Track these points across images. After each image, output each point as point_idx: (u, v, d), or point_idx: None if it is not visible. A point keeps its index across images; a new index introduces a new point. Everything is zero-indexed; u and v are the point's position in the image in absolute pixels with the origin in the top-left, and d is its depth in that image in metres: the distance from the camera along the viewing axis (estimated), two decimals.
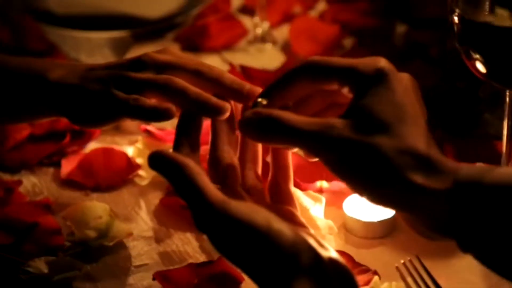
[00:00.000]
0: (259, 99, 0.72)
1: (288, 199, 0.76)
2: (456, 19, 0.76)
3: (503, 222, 0.63)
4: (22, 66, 0.84)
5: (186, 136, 0.74)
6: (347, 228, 0.84)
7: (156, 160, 0.67)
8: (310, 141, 0.67)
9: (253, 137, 0.71)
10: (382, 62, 0.69)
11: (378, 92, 0.67)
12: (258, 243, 0.63)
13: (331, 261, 0.64)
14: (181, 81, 0.76)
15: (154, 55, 0.79)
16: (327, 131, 0.66)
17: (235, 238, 0.64)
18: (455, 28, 0.77)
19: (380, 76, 0.68)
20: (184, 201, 0.66)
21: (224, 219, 0.64)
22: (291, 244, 0.64)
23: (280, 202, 0.76)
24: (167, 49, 0.80)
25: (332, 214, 0.84)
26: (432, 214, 0.65)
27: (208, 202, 0.65)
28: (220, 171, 0.73)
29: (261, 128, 0.69)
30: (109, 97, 0.78)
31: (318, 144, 0.67)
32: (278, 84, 0.72)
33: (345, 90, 0.70)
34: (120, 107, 0.77)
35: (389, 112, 0.66)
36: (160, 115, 0.76)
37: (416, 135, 0.66)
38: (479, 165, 0.66)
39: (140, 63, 0.79)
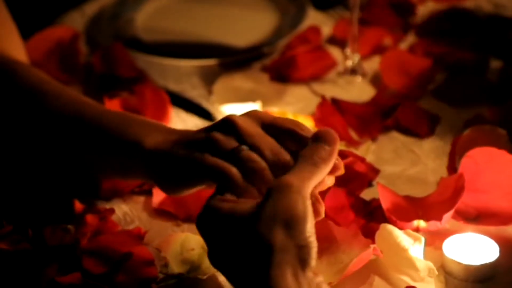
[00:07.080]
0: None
1: None
2: None
3: None
4: (119, 129, 0.85)
5: None
6: (447, 270, 0.82)
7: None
8: None
9: None
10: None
11: None
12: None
13: None
14: (261, 168, 0.76)
15: (240, 125, 0.78)
16: None
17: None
18: None
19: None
20: None
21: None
22: None
23: None
24: (255, 114, 0.80)
25: (430, 255, 0.83)
26: None
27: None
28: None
29: None
30: (193, 161, 0.78)
31: None
32: None
33: None
34: (206, 172, 0.77)
35: None
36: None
37: None
38: None
39: (227, 125, 0.78)
